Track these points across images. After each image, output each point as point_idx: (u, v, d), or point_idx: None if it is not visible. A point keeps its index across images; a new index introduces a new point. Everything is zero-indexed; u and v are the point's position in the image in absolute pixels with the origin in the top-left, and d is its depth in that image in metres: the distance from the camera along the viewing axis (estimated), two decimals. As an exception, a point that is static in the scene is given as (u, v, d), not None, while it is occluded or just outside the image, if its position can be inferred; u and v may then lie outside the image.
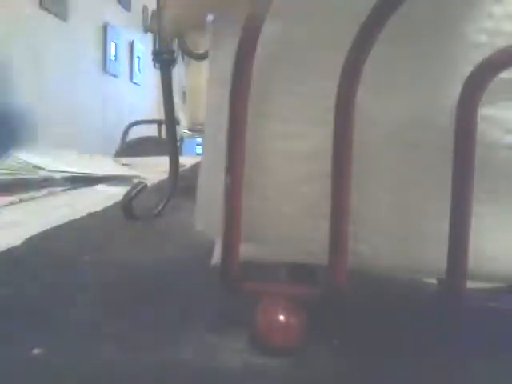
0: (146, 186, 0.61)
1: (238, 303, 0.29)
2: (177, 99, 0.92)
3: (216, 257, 0.29)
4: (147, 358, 0.25)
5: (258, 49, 0.25)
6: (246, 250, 0.26)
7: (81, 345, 0.26)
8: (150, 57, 0.69)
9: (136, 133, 2.07)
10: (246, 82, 0.25)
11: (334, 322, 0.29)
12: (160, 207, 0.63)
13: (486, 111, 0.24)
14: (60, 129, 1.69)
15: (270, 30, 0.25)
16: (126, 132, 2.06)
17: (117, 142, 1.99)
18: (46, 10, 1.68)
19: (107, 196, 0.77)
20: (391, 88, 0.25)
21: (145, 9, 2.62)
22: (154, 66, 0.68)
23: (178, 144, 0.82)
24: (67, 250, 0.46)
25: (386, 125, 0.25)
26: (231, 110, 0.25)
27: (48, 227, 0.53)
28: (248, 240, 0.27)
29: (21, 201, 0.72)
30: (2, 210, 0.66)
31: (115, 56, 2.26)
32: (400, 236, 0.26)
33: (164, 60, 0.65)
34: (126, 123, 2.08)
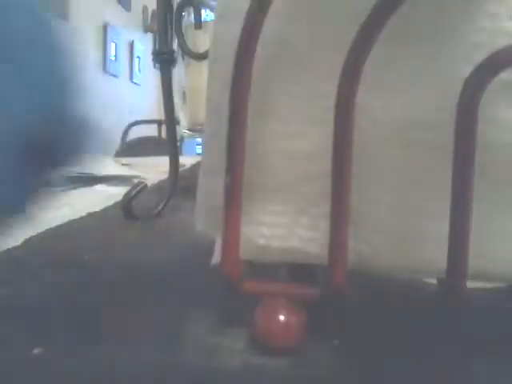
0: (145, 185, 0.61)
1: (238, 303, 0.29)
2: (177, 99, 0.92)
3: (216, 257, 0.29)
4: (147, 357, 0.25)
5: (258, 49, 0.25)
6: (246, 250, 0.27)
7: (81, 345, 0.26)
8: (149, 57, 0.69)
9: (136, 133, 2.07)
10: (245, 82, 0.25)
11: (333, 321, 0.29)
12: (160, 207, 0.63)
13: (486, 111, 0.24)
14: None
15: (269, 30, 0.25)
16: (125, 132, 2.06)
17: (117, 142, 1.99)
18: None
19: (107, 196, 0.77)
20: (391, 88, 0.25)
21: (145, 9, 2.62)
22: (154, 66, 0.68)
23: (178, 144, 0.82)
24: (67, 249, 0.46)
25: (386, 125, 0.25)
26: (231, 110, 0.25)
27: (48, 227, 0.53)
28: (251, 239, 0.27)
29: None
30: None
31: (115, 56, 2.26)
32: (400, 236, 0.26)
33: (164, 60, 0.65)
34: (126, 123, 2.08)
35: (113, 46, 2.24)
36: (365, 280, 0.29)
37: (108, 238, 0.51)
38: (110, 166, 1.08)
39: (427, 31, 0.25)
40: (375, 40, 0.23)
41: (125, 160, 1.27)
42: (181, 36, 0.67)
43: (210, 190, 0.28)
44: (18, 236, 0.47)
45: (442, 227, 0.24)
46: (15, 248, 0.44)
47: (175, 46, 0.70)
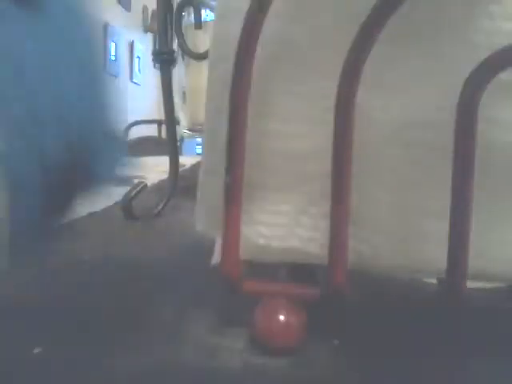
0: (146, 185, 0.61)
1: (238, 303, 0.29)
2: (177, 99, 0.92)
3: (216, 257, 0.29)
4: (147, 357, 0.25)
5: (258, 49, 0.25)
6: (246, 250, 0.26)
7: (80, 345, 0.26)
8: (149, 57, 0.69)
9: (136, 133, 2.07)
10: (245, 82, 0.25)
11: (333, 321, 0.29)
12: (160, 207, 0.63)
13: (486, 111, 0.24)
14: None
15: (269, 30, 0.25)
16: (125, 132, 2.06)
17: (117, 142, 1.99)
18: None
19: (107, 196, 0.77)
20: (391, 88, 0.25)
21: (145, 9, 2.62)
22: (154, 66, 0.68)
23: (178, 144, 0.82)
24: (67, 249, 0.46)
25: (385, 125, 0.25)
26: (231, 110, 0.25)
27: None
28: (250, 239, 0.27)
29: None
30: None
31: (115, 56, 2.26)
32: (400, 236, 0.26)
33: (164, 60, 0.65)
34: (126, 123, 2.08)
35: (113, 45, 2.24)
36: (365, 280, 0.29)
37: (108, 238, 0.51)
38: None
39: (427, 31, 0.25)
40: (375, 40, 0.23)
41: (125, 160, 1.27)
42: (181, 36, 0.67)
43: (210, 190, 0.28)
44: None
45: (441, 227, 0.24)
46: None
47: (175, 46, 0.70)
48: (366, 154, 0.25)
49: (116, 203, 0.66)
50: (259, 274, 0.28)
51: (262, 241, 0.27)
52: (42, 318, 0.29)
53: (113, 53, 2.28)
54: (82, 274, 0.38)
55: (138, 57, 2.54)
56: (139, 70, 2.57)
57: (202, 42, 0.72)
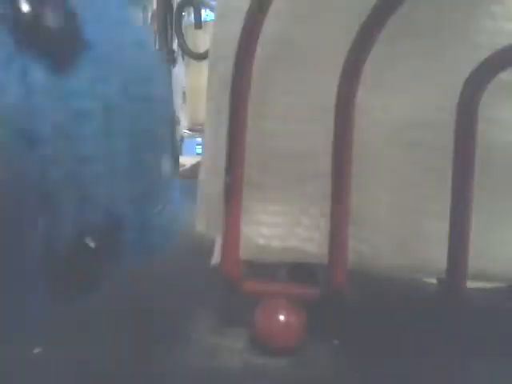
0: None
1: (238, 303, 0.29)
2: (177, 99, 0.92)
3: (216, 257, 0.29)
4: (147, 357, 0.25)
5: (258, 49, 0.25)
6: (246, 250, 0.27)
7: (81, 345, 0.26)
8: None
9: (136, 133, 2.07)
10: (245, 82, 0.25)
11: (334, 321, 0.29)
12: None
13: (485, 111, 0.24)
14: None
15: (270, 30, 0.25)
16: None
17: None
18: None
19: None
20: (391, 88, 0.25)
21: (145, 9, 2.62)
22: (154, 66, 0.68)
23: (178, 144, 0.82)
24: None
25: (386, 125, 0.25)
26: (231, 110, 0.25)
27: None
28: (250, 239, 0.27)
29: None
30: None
31: (115, 56, 2.26)
32: (400, 236, 0.26)
33: (164, 60, 0.65)
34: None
35: (113, 45, 2.24)
36: (365, 280, 0.29)
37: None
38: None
39: (428, 31, 0.25)
40: (375, 40, 0.23)
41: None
42: (181, 36, 0.67)
43: (210, 189, 0.28)
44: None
45: (442, 227, 0.24)
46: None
47: (175, 45, 0.70)
48: (366, 154, 0.25)
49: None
50: (259, 274, 0.28)
51: (262, 241, 0.27)
52: (42, 318, 0.29)
53: (113, 53, 2.28)
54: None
55: (138, 57, 2.54)
56: (139, 70, 2.56)
57: (202, 41, 0.72)
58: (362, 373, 0.24)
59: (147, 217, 0.17)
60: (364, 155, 0.25)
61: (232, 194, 0.26)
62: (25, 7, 0.13)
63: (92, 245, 0.14)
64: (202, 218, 0.30)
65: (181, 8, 0.68)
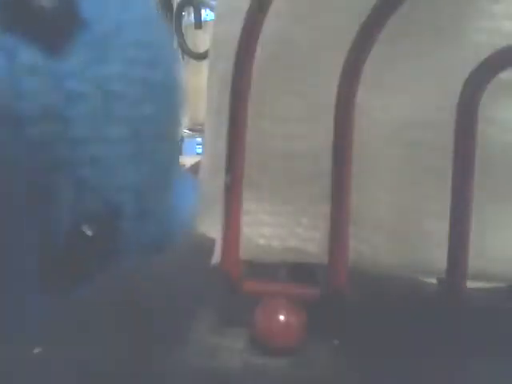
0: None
1: (238, 303, 0.29)
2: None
3: (216, 257, 0.29)
4: (147, 357, 0.25)
5: (258, 49, 0.25)
6: (246, 250, 0.27)
7: (80, 345, 0.26)
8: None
9: (136, 133, 2.07)
10: (245, 82, 0.25)
11: (334, 321, 0.29)
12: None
13: (485, 111, 0.24)
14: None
15: (270, 30, 0.25)
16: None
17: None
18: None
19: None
20: (391, 88, 0.25)
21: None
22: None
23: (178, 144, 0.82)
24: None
25: (386, 125, 0.25)
26: (231, 110, 0.25)
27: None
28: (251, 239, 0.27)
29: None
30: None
31: (115, 56, 2.26)
32: (400, 236, 0.26)
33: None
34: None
35: (113, 45, 2.24)
36: (365, 280, 0.29)
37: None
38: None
39: (427, 31, 0.25)
40: (375, 40, 0.23)
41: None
42: (181, 36, 0.67)
43: (210, 190, 0.28)
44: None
45: (441, 227, 0.24)
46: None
47: (175, 45, 0.70)
48: (366, 154, 0.25)
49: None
50: (259, 273, 0.28)
51: (262, 241, 0.27)
52: (41, 318, 0.29)
53: (113, 53, 2.28)
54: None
55: (138, 57, 2.54)
56: (139, 70, 2.56)
57: (201, 41, 0.72)
58: (362, 373, 0.24)
59: (147, 207, 0.16)
60: (364, 155, 0.25)
61: (232, 194, 0.26)
62: None
63: (89, 232, 0.14)
64: (202, 217, 0.30)
65: (181, 8, 0.68)
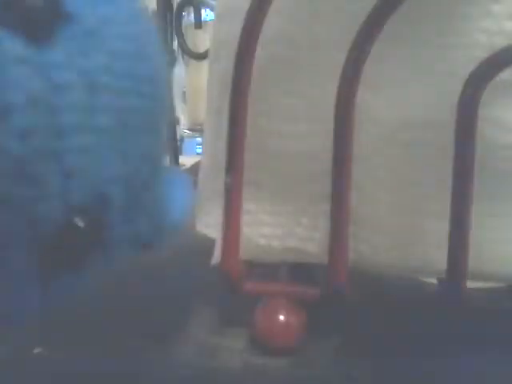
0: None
1: (238, 303, 0.29)
2: (177, 99, 0.92)
3: (216, 257, 0.29)
4: (147, 357, 0.25)
5: (258, 49, 0.25)
6: (246, 250, 0.26)
7: (81, 345, 0.26)
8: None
9: (136, 133, 2.07)
10: (245, 82, 0.25)
11: (334, 321, 0.29)
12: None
13: (485, 111, 0.24)
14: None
15: (270, 30, 0.25)
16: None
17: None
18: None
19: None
20: (391, 87, 0.25)
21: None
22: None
23: (178, 144, 0.82)
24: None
25: (385, 125, 0.25)
26: (231, 110, 0.25)
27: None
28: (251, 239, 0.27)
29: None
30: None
31: (115, 56, 2.26)
32: (400, 236, 0.26)
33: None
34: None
35: (113, 45, 2.24)
36: (365, 280, 0.29)
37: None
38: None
39: (428, 31, 0.25)
40: (375, 40, 0.23)
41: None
42: (181, 36, 0.67)
43: (210, 190, 0.28)
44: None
45: (442, 227, 0.24)
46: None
47: (175, 45, 0.70)
48: (366, 154, 0.25)
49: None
50: (259, 273, 0.28)
51: (262, 241, 0.27)
52: (42, 318, 0.29)
53: (113, 53, 2.28)
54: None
55: (138, 57, 2.54)
56: (139, 70, 2.56)
57: (201, 41, 0.72)
58: (362, 373, 0.24)
59: (136, 200, 0.16)
60: (364, 155, 0.25)
61: (232, 194, 0.26)
62: None
63: (79, 223, 0.14)
64: (202, 217, 0.30)
65: (181, 8, 0.68)
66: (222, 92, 0.26)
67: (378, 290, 0.33)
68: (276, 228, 0.27)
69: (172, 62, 0.65)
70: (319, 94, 0.26)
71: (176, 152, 0.64)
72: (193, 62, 0.85)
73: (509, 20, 0.24)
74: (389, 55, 0.25)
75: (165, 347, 0.26)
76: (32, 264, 0.14)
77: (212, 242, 0.31)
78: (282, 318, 0.26)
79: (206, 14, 0.76)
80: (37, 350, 0.25)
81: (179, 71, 0.88)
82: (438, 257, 0.24)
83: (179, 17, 0.68)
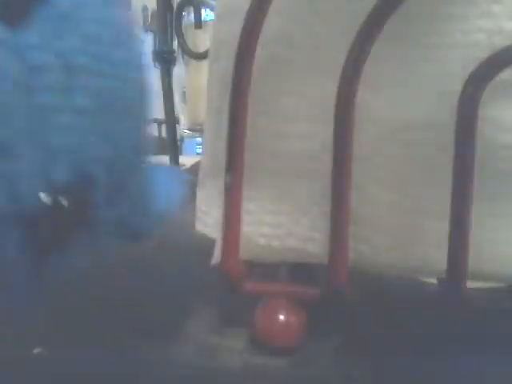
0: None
1: (238, 303, 0.29)
2: (177, 99, 0.92)
3: (216, 257, 0.29)
4: (147, 357, 0.25)
5: (258, 49, 0.25)
6: (246, 250, 0.26)
7: (81, 345, 0.26)
8: (149, 57, 0.69)
9: (136, 133, 2.06)
10: (245, 82, 0.25)
11: (333, 321, 0.29)
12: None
13: (485, 111, 0.24)
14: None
15: (270, 30, 0.25)
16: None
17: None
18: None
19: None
20: (391, 87, 0.25)
21: (145, 9, 2.62)
22: (154, 66, 0.68)
23: (178, 144, 0.82)
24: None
25: (385, 125, 0.25)
26: (231, 110, 0.25)
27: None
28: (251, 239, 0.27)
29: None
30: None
31: (115, 56, 2.26)
32: (400, 236, 0.26)
33: (164, 60, 0.65)
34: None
35: (113, 45, 2.24)
36: (365, 280, 0.29)
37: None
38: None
39: (428, 31, 0.25)
40: (375, 40, 0.23)
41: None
42: (181, 36, 0.67)
43: (210, 189, 0.28)
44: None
45: (442, 227, 0.24)
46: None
47: (175, 45, 0.70)
48: (366, 154, 0.25)
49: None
50: (259, 273, 0.28)
51: (262, 241, 0.27)
52: (41, 318, 0.29)
53: (113, 53, 2.28)
54: (80, 274, 0.38)
55: (138, 56, 2.54)
56: (139, 70, 2.56)
57: (201, 41, 0.72)
58: (362, 373, 0.24)
59: (120, 182, 0.16)
60: (364, 155, 0.25)
61: (232, 194, 0.26)
62: None
63: (63, 202, 0.14)
64: (202, 217, 0.30)
65: (181, 8, 0.68)
66: (222, 92, 0.26)
67: (378, 290, 0.33)
68: (276, 228, 0.27)
69: (172, 62, 0.65)
70: (319, 94, 0.26)
71: (176, 152, 0.64)
72: (193, 61, 0.85)
73: (509, 20, 0.24)
74: (389, 55, 0.25)
75: (165, 347, 0.26)
76: (18, 240, 0.14)
77: (212, 241, 0.31)
78: (282, 317, 0.26)
79: (206, 14, 0.76)
80: (37, 350, 0.25)
81: (179, 71, 0.89)
82: (438, 257, 0.24)
83: (179, 17, 0.68)
